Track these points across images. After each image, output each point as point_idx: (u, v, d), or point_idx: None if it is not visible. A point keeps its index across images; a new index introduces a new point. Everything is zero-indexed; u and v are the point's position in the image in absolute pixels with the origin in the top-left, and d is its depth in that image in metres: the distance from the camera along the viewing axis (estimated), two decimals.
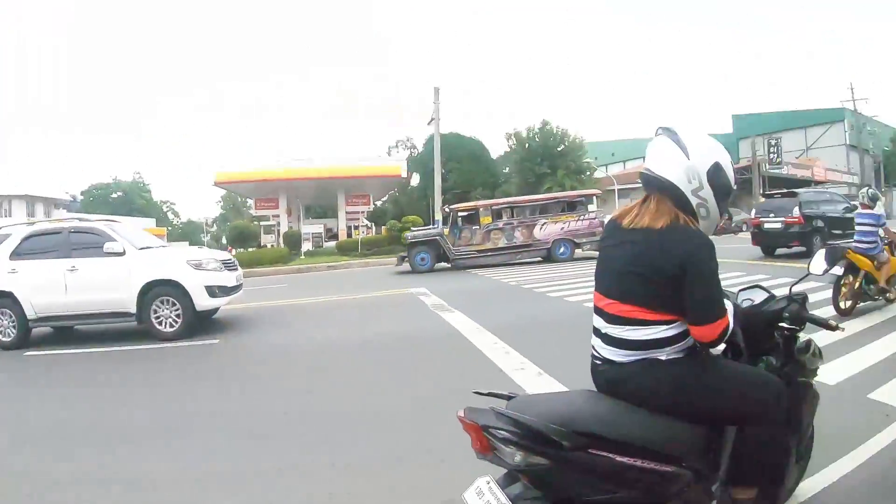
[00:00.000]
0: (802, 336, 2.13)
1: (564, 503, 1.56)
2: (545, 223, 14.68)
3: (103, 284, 6.79)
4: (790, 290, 2.11)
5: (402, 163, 31.43)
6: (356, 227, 29.15)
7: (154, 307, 6.80)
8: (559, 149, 28.79)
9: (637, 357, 1.66)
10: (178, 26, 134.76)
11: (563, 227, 14.70)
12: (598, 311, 1.76)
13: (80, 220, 8.38)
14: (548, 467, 1.49)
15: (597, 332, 1.77)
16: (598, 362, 1.76)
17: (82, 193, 53.60)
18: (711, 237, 1.72)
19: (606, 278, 1.75)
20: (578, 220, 14.83)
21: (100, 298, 6.80)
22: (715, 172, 1.69)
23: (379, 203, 38.89)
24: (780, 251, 12.85)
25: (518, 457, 1.49)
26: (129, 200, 54.81)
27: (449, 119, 45.95)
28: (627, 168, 47.20)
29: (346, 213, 29.45)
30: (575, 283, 9.34)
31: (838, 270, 6.15)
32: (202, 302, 6.92)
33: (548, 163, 28.15)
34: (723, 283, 1.78)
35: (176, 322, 6.83)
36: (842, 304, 5.99)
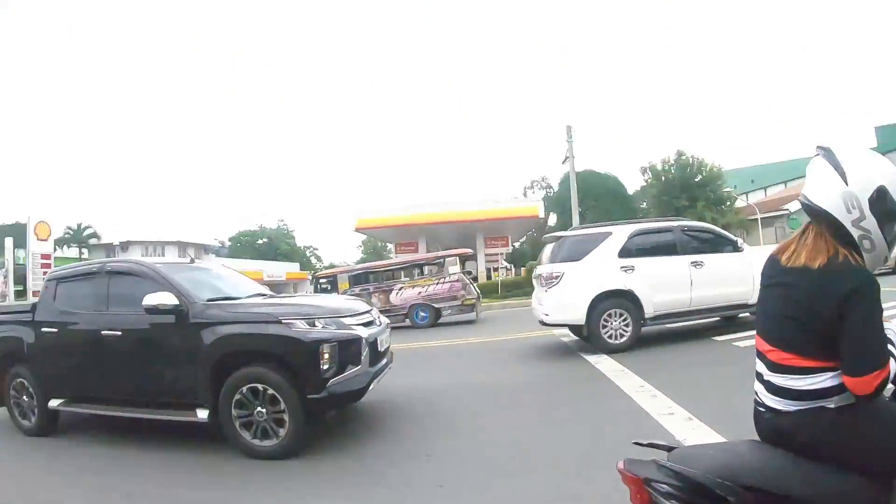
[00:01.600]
0: None
1: None
2: (402, 288, 13.75)
3: (727, 279, 7.12)
4: None
5: (538, 203, 31.45)
6: (496, 269, 28.66)
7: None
8: (697, 179, 27.26)
9: (803, 406, 1.49)
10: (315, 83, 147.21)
11: (420, 292, 13.58)
12: (760, 355, 1.60)
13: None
14: None
15: (759, 377, 1.60)
16: (762, 409, 1.59)
17: (230, 239, 58.24)
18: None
19: (765, 322, 1.60)
20: (437, 283, 13.65)
21: (727, 292, 7.13)
22: (879, 199, 1.45)
23: (517, 244, 38.86)
24: None
25: None
26: (275, 246, 56.83)
27: (583, 156, 45.49)
28: (769, 195, 43.29)
29: (486, 255, 29.39)
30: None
31: None
32: None
33: (686, 195, 26.53)
34: None
35: None
36: None
